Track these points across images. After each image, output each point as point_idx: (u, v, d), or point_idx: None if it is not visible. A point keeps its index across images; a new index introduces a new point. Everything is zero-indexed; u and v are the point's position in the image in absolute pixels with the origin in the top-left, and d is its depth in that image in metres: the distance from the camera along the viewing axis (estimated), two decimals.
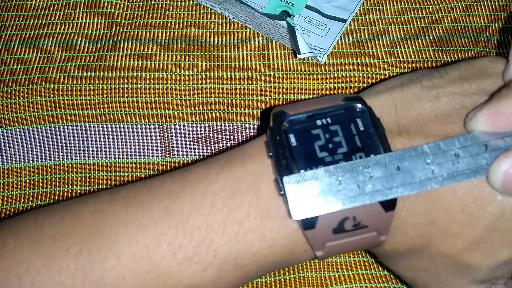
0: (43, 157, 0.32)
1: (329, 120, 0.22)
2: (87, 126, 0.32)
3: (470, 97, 0.22)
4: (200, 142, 0.32)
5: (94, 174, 0.32)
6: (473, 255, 0.22)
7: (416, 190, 0.21)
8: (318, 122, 0.22)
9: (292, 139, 0.22)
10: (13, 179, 0.31)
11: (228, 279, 0.22)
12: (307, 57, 0.32)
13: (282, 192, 0.21)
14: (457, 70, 0.24)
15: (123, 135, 0.32)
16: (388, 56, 0.32)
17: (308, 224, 0.21)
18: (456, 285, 0.23)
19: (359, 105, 0.22)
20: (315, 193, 0.20)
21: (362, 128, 0.22)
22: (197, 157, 0.32)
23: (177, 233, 0.21)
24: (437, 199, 0.21)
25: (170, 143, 0.32)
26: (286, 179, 0.21)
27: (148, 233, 0.22)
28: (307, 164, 0.21)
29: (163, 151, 0.32)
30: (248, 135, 0.32)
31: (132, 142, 0.32)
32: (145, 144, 0.32)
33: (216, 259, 0.22)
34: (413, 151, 0.21)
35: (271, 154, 0.22)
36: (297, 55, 0.30)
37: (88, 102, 0.31)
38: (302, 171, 0.21)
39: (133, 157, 0.32)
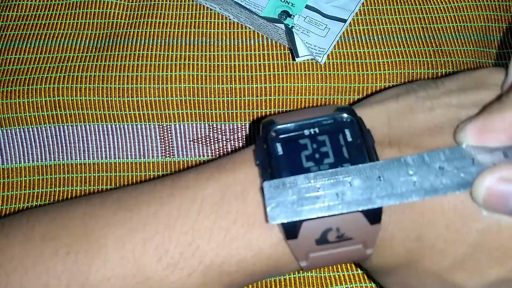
0: (43, 157, 0.32)
1: (317, 130, 0.22)
2: (87, 126, 0.32)
3: (466, 108, 0.22)
4: (200, 142, 0.32)
5: (94, 174, 0.32)
6: (459, 274, 0.21)
7: (397, 202, 0.20)
8: (306, 132, 0.22)
9: (279, 148, 0.22)
10: (13, 179, 0.31)
11: (213, 285, 0.22)
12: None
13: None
14: (454, 81, 0.24)
15: (123, 135, 0.32)
16: (388, 56, 0.32)
17: (290, 233, 0.21)
18: None
19: (348, 116, 0.22)
20: (294, 199, 0.20)
21: (350, 139, 0.21)
22: (197, 157, 0.32)
23: (164, 238, 0.21)
24: (424, 214, 0.21)
25: (170, 143, 0.32)
26: (266, 184, 0.21)
27: (135, 237, 0.22)
28: (292, 173, 0.21)
29: (163, 151, 0.32)
30: (248, 135, 0.32)
31: (132, 142, 0.32)
32: (145, 144, 0.32)
33: (201, 265, 0.21)
34: (396, 161, 0.21)
35: (258, 162, 0.22)
36: (296, 58, 0.30)
37: (88, 102, 0.31)
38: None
39: (133, 157, 0.32)
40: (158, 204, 0.22)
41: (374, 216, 0.21)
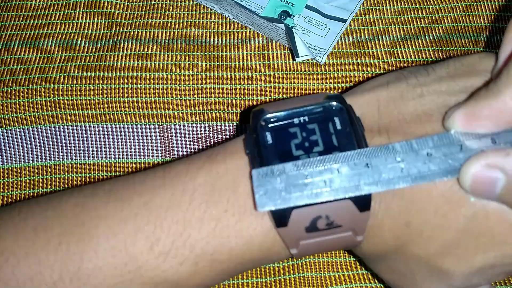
0: (43, 157, 0.32)
1: (306, 118, 0.22)
2: (87, 126, 0.32)
3: (456, 95, 0.22)
4: (200, 142, 0.32)
5: (94, 174, 0.32)
6: (447, 259, 0.22)
7: (384, 188, 0.20)
8: (296, 121, 0.22)
9: (268, 137, 0.22)
10: (13, 179, 0.31)
11: (205, 274, 0.22)
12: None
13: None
14: (445, 67, 0.24)
15: (123, 135, 0.32)
16: (388, 56, 0.32)
17: (280, 222, 0.21)
18: None
19: (337, 104, 0.22)
20: (282, 187, 0.20)
21: (339, 127, 0.21)
22: None
23: (155, 227, 0.22)
24: (412, 201, 0.21)
25: (170, 143, 0.32)
26: (254, 171, 0.21)
27: (127, 226, 0.22)
28: (282, 162, 0.21)
29: (163, 151, 0.32)
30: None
31: (132, 142, 0.32)
32: (145, 144, 0.32)
33: (192, 254, 0.22)
34: (384, 148, 0.21)
35: (247, 151, 0.22)
36: (296, 58, 0.30)
37: (88, 102, 0.31)
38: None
39: (133, 157, 0.32)
40: (149, 194, 0.22)
41: (363, 203, 0.21)
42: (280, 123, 0.22)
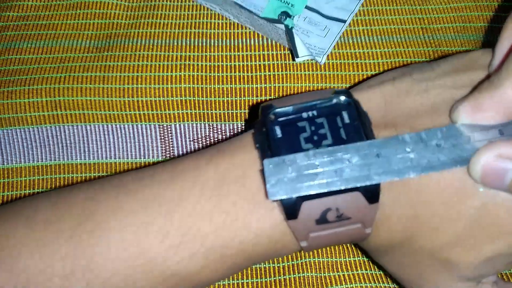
0: (43, 157, 0.32)
1: (315, 112, 0.22)
2: (87, 126, 0.32)
3: (460, 89, 0.22)
4: (200, 142, 0.32)
5: (95, 174, 0.32)
6: (455, 250, 0.22)
7: (394, 178, 0.20)
8: (304, 115, 0.22)
9: (278, 131, 0.22)
10: (13, 179, 0.31)
11: (214, 268, 0.22)
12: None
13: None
14: (448, 63, 0.24)
15: (123, 135, 0.32)
16: (388, 57, 0.32)
17: (290, 214, 0.21)
18: (439, 282, 0.23)
19: (345, 98, 0.22)
20: (293, 176, 0.21)
21: (347, 121, 0.22)
22: None
23: (165, 220, 0.22)
24: (420, 192, 0.21)
25: (170, 143, 0.32)
26: (266, 161, 0.21)
27: (137, 219, 0.22)
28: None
29: (163, 151, 0.32)
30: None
31: (132, 142, 0.32)
32: (145, 144, 0.32)
33: (202, 247, 0.22)
34: (394, 139, 0.21)
35: (257, 145, 0.22)
36: (295, 59, 0.30)
37: (88, 102, 0.31)
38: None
39: (133, 157, 0.32)
40: (159, 188, 0.23)
41: (372, 195, 0.21)
42: (289, 117, 0.22)
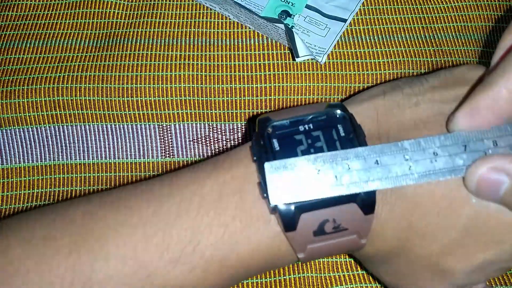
0: (43, 157, 0.32)
1: (311, 126, 0.23)
2: (87, 126, 0.32)
3: (449, 103, 0.23)
4: (200, 142, 0.32)
5: (94, 174, 0.32)
6: (449, 259, 0.22)
7: (392, 185, 0.21)
8: (301, 128, 0.23)
9: (275, 144, 0.22)
10: (13, 179, 0.31)
11: (214, 280, 0.23)
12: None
13: (265, 195, 0.21)
14: (437, 78, 0.25)
15: (123, 135, 0.32)
16: (388, 56, 0.32)
17: (289, 226, 0.21)
18: None
19: (340, 112, 0.23)
20: (294, 181, 0.21)
21: (343, 134, 0.22)
22: (197, 157, 0.32)
23: (164, 234, 0.22)
24: (415, 203, 0.22)
25: (170, 143, 0.32)
26: (267, 165, 0.21)
27: (136, 234, 0.22)
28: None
29: (163, 151, 0.32)
30: (247, 135, 0.32)
31: (132, 142, 0.32)
32: (145, 144, 0.32)
33: (202, 260, 0.22)
34: (393, 146, 0.21)
35: (255, 158, 0.22)
36: (296, 58, 0.30)
37: (88, 102, 0.31)
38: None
39: (133, 157, 0.32)
40: (157, 202, 0.23)
41: (368, 207, 0.21)
42: (286, 130, 0.23)
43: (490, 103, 0.21)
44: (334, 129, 0.22)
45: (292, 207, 0.21)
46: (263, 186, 0.21)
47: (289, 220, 0.21)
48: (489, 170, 0.20)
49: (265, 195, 0.21)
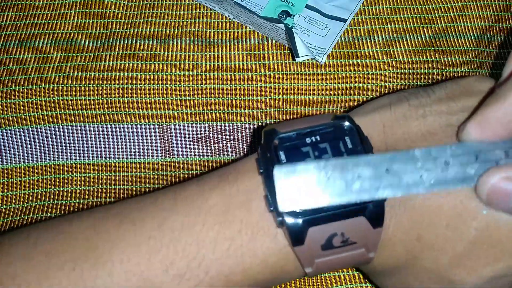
0: (43, 157, 0.32)
1: (318, 138, 0.22)
2: (87, 126, 0.32)
3: (456, 114, 0.23)
4: (200, 142, 0.32)
5: (94, 174, 0.32)
6: (458, 271, 0.22)
7: (403, 193, 0.21)
8: (308, 140, 0.22)
9: (282, 156, 0.22)
10: (13, 179, 0.31)
11: None
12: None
13: (271, 208, 0.21)
14: (443, 89, 0.25)
15: (123, 135, 0.32)
16: (389, 56, 0.32)
17: (297, 240, 0.21)
18: None
19: (347, 124, 0.23)
20: (303, 187, 0.21)
21: (350, 146, 0.22)
22: (197, 157, 0.32)
23: (169, 250, 0.22)
24: (423, 214, 0.22)
25: (170, 143, 0.32)
26: (276, 170, 0.21)
27: (140, 250, 0.22)
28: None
29: (163, 151, 0.32)
30: (248, 135, 0.32)
31: (132, 142, 0.32)
32: (145, 144, 0.32)
33: (208, 276, 0.22)
34: (404, 154, 0.21)
35: (261, 170, 0.22)
36: (296, 58, 0.30)
37: (88, 102, 0.31)
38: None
39: (133, 157, 0.32)
40: (161, 217, 0.22)
41: (376, 220, 0.21)
42: (293, 142, 0.22)
43: (500, 116, 0.21)
44: (341, 141, 0.22)
45: (300, 221, 0.21)
46: (269, 199, 0.21)
47: (297, 234, 0.21)
48: (501, 180, 0.20)
49: (271, 208, 0.21)
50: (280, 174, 0.21)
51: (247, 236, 0.22)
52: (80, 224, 0.23)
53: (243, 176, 0.23)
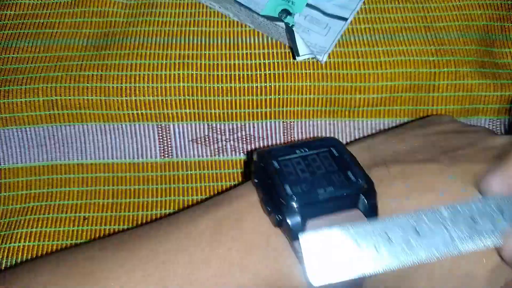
0: (40, 157, 0.31)
1: (306, 149, 0.24)
2: (85, 126, 0.31)
3: (432, 136, 0.25)
4: (199, 142, 0.32)
5: (92, 175, 0.31)
6: None
7: (435, 255, 0.20)
8: (298, 152, 0.24)
9: (276, 164, 0.23)
10: (10, 180, 0.31)
11: None
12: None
13: (269, 209, 0.21)
14: (413, 123, 0.28)
15: (121, 135, 0.31)
16: (390, 55, 0.32)
17: (296, 236, 0.21)
18: None
19: (334, 139, 0.24)
20: (334, 257, 0.20)
21: (337, 154, 0.23)
22: (196, 157, 0.32)
23: (163, 272, 0.22)
24: (436, 280, 0.22)
25: (169, 143, 0.32)
26: (303, 239, 0.20)
27: (135, 275, 0.22)
28: (291, 184, 0.22)
29: (162, 151, 0.32)
30: (247, 135, 0.32)
31: (130, 142, 0.32)
32: (143, 144, 0.32)
33: None
34: (431, 213, 0.21)
35: (256, 181, 0.23)
36: (296, 57, 0.30)
37: (85, 101, 0.31)
38: (316, 230, 0.21)
39: (131, 158, 0.32)
40: (155, 242, 0.23)
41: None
42: (284, 152, 0.24)
43: None
44: (327, 151, 0.24)
45: (299, 218, 0.21)
46: (265, 201, 0.22)
47: (296, 231, 0.21)
48: None
49: (268, 209, 0.21)
50: (307, 244, 0.20)
51: (238, 253, 0.22)
52: (80, 254, 0.24)
53: (237, 200, 0.24)
